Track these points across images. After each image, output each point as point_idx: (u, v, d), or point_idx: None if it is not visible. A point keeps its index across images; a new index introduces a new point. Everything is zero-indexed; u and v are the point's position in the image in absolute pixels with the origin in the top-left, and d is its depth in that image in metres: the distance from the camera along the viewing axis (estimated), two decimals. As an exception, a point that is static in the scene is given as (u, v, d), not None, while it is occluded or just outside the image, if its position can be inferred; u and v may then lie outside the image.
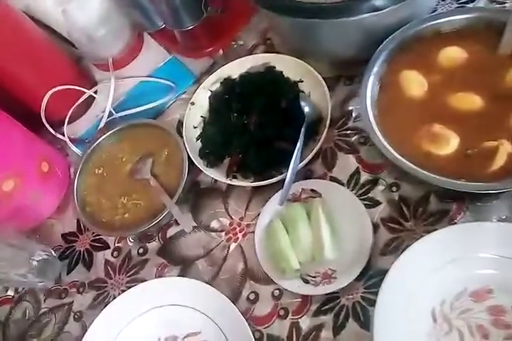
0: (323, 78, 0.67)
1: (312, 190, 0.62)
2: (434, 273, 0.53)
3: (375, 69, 0.61)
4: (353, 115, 0.68)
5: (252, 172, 0.64)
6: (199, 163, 0.66)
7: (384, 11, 0.58)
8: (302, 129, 0.64)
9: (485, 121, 0.56)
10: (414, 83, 0.61)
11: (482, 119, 0.56)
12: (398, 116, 0.59)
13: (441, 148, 0.56)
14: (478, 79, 0.59)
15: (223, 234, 0.66)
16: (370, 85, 0.61)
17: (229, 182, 0.65)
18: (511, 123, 0.55)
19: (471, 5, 0.71)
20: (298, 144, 0.63)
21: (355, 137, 0.66)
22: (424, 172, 0.53)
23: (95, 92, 0.78)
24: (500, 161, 0.53)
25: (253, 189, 0.66)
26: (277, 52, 0.74)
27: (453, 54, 0.61)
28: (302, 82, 0.70)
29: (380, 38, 0.63)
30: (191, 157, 0.66)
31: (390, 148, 0.56)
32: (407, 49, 0.62)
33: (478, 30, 0.61)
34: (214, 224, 0.67)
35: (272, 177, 0.62)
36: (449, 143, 0.56)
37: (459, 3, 0.72)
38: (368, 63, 0.61)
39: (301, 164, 0.62)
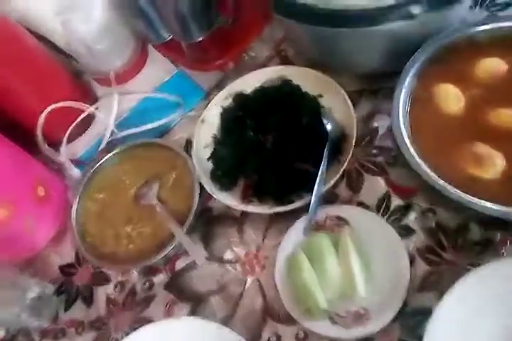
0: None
1: (338, 217, 0.56)
2: (485, 314, 0.47)
3: (407, 82, 0.56)
4: (379, 133, 0.62)
5: (269, 196, 0.58)
6: (210, 187, 0.60)
7: (415, 19, 0.52)
8: (326, 148, 0.58)
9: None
10: (450, 97, 0.55)
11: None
12: (433, 135, 0.53)
13: (486, 170, 0.50)
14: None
15: (238, 265, 0.59)
16: (402, 101, 0.55)
17: (244, 208, 0.58)
18: None
19: (503, 13, 0.65)
20: (322, 165, 0.57)
21: (381, 157, 0.60)
22: (469, 197, 0.47)
23: (96, 109, 0.72)
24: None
25: (271, 216, 0.60)
26: (293, 65, 0.69)
27: (492, 65, 0.55)
28: (322, 96, 0.64)
29: (410, 48, 0.57)
30: (201, 180, 0.60)
31: (426, 170, 0.50)
32: (440, 61, 0.56)
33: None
34: (228, 255, 0.60)
35: (292, 203, 0.56)
36: (495, 165, 0.49)
37: (490, 12, 0.66)
38: (400, 76, 0.56)
39: (326, 188, 0.56)
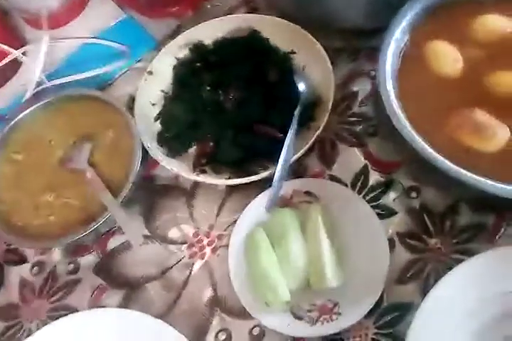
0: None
1: (307, 192, 0.47)
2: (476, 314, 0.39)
3: (396, 38, 0.47)
4: (359, 98, 0.53)
5: (227, 165, 0.49)
6: (156, 151, 0.49)
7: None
8: (296, 112, 0.48)
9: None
10: (446, 57, 0.46)
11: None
12: (425, 99, 0.45)
13: (486, 141, 0.42)
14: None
15: (185, 247, 0.50)
16: (390, 59, 0.46)
17: (196, 177, 0.48)
18: None
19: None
20: (290, 131, 0.47)
21: (361, 126, 0.52)
22: (465, 171, 0.39)
23: (23, 54, 0.60)
24: None
25: (228, 188, 0.50)
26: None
27: (493, 23, 0.47)
28: (295, 53, 0.54)
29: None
30: (145, 143, 0.50)
31: (417, 138, 0.42)
32: (436, 14, 0.48)
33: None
34: (173, 234, 0.50)
35: (253, 174, 0.47)
36: (497, 136, 0.42)
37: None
38: (387, 30, 0.47)
39: (294, 158, 0.47)
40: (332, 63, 0.53)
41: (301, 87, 0.50)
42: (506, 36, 0.46)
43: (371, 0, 0.50)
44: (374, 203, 0.47)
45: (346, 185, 0.48)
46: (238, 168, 0.48)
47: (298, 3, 0.53)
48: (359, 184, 0.48)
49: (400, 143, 0.43)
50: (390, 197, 0.47)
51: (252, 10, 0.61)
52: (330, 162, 0.50)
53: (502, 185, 0.39)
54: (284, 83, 0.50)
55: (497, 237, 0.44)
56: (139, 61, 0.60)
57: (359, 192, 0.48)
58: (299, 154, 0.47)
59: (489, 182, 0.39)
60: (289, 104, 0.49)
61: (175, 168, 0.48)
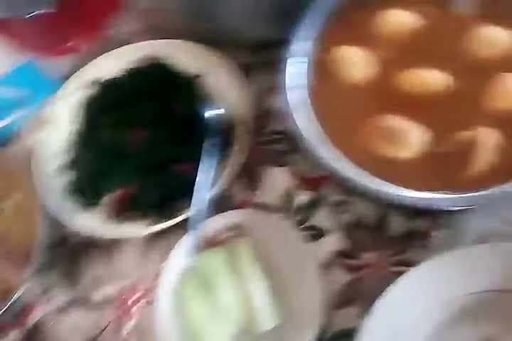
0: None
1: (234, 226, 0.44)
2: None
3: (300, 48, 0.45)
4: (278, 115, 0.50)
5: (146, 210, 0.45)
6: (64, 208, 0.46)
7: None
8: (207, 143, 0.46)
9: (453, 104, 0.41)
10: (355, 62, 0.44)
11: (449, 102, 0.41)
12: (339, 110, 0.43)
13: (400, 148, 0.40)
14: (437, 49, 0.43)
15: (110, 309, 0.45)
16: (295, 70, 0.44)
17: (110, 233, 0.45)
18: (486, 103, 0.40)
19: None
20: (201, 165, 0.45)
21: (281, 144, 0.49)
22: (382, 185, 0.37)
23: None
24: (481, 158, 0.38)
25: (151, 235, 0.46)
26: (168, 38, 0.55)
27: (400, 19, 0.45)
28: (204, 75, 0.51)
29: (302, 5, 0.46)
30: (51, 200, 0.46)
31: (330, 154, 0.39)
32: (341, 18, 0.46)
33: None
34: (97, 296, 0.46)
35: (173, 217, 0.44)
36: (410, 141, 0.40)
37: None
38: (291, 40, 0.45)
39: (213, 191, 0.44)
40: (247, 80, 0.51)
41: (212, 113, 0.48)
42: (413, 32, 0.44)
43: (265, 11, 0.47)
44: (305, 224, 0.45)
45: (275, 210, 0.46)
46: (158, 211, 0.45)
47: (197, 18, 0.51)
48: (287, 206, 0.46)
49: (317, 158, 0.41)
50: (320, 215, 0.45)
51: (156, 31, 0.57)
52: (255, 187, 0.47)
53: (422, 196, 0.37)
54: (194, 113, 0.47)
55: (430, 242, 0.42)
56: (39, 109, 0.54)
57: (288, 215, 0.45)
58: (219, 185, 0.45)
59: (405, 194, 0.37)
60: (202, 135, 0.46)
61: (87, 223, 0.45)
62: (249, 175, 0.48)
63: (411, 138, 0.39)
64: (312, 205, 0.45)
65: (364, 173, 0.38)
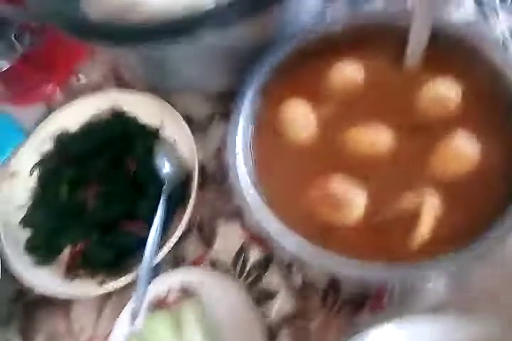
0: (191, 118, 0.51)
1: (184, 287, 0.44)
2: None
3: (246, 104, 0.44)
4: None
5: (98, 269, 0.45)
6: (22, 263, 0.46)
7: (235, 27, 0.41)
8: (161, 199, 0.45)
9: (398, 167, 0.39)
10: (299, 119, 0.43)
11: (394, 164, 0.40)
12: (283, 170, 0.42)
13: (343, 214, 0.38)
14: (383, 106, 0.42)
15: None
16: (241, 128, 0.43)
17: (63, 290, 0.44)
18: (432, 166, 0.39)
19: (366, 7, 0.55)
20: (154, 222, 0.44)
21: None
22: (322, 257, 0.36)
23: None
24: (426, 226, 0.37)
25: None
26: (132, 88, 0.56)
27: (347, 73, 0.44)
28: (164, 128, 0.51)
29: (251, 60, 0.45)
30: (10, 254, 0.46)
31: (270, 222, 0.38)
32: (287, 73, 0.45)
33: (376, 40, 0.44)
34: None
35: (126, 275, 0.44)
36: (354, 206, 0.38)
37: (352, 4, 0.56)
38: (237, 95, 0.44)
39: (165, 249, 0.44)
40: (203, 132, 0.52)
41: (166, 167, 0.47)
42: (359, 87, 0.43)
43: (222, 64, 0.47)
44: (256, 284, 0.44)
45: (228, 268, 0.45)
46: (111, 270, 0.45)
47: (155, 73, 0.51)
48: (240, 264, 0.45)
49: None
50: (272, 276, 0.44)
51: (120, 83, 0.58)
52: (209, 243, 0.47)
53: (362, 269, 0.36)
54: (148, 168, 0.47)
55: (382, 308, 0.40)
56: (6, 159, 0.55)
57: (240, 274, 0.44)
58: (172, 242, 0.44)
59: (346, 264, 0.36)
60: (156, 190, 0.46)
61: (43, 279, 0.45)
62: (202, 231, 0.47)
63: (354, 204, 0.38)
64: (264, 265, 0.44)
65: (306, 243, 0.37)
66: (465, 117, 0.40)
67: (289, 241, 0.37)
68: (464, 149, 0.38)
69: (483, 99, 0.40)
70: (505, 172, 0.37)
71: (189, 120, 0.52)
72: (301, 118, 0.43)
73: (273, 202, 0.40)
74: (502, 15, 0.51)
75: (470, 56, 0.41)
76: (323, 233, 0.38)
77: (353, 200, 0.38)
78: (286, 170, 0.42)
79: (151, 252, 0.43)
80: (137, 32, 0.39)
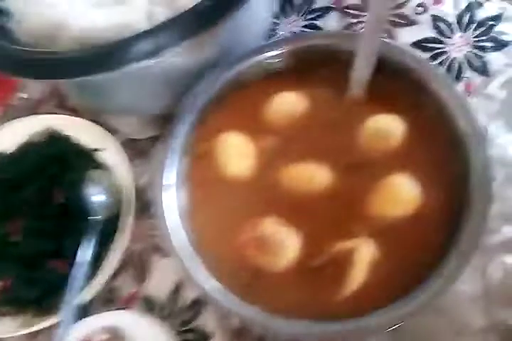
0: (133, 142, 0.48)
1: (109, 328, 0.41)
2: None
3: (180, 134, 0.41)
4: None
5: (22, 307, 0.43)
6: None
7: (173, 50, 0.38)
8: (90, 233, 0.43)
9: (334, 207, 0.37)
10: (237, 152, 0.41)
11: (332, 204, 0.37)
12: (216, 208, 0.39)
13: (273, 259, 0.36)
14: (324, 140, 0.40)
15: None
16: (172, 159, 0.40)
17: None
18: (371, 206, 0.36)
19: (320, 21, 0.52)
20: (81, 258, 0.42)
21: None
22: (247, 312, 0.34)
23: None
24: (357, 276, 0.34)
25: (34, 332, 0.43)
26: (72, 109, 0.53)
27: (288, 104, 0.42)
28: (102, 153, 0.49)
29: (189, 84, 0.43)
30: None
31: (196, 268, 0.36)
32: (225, 100, 0.42)
33: (320, 67, 0.42)
34: None
35: (52, 313, 0.41)
36: (285, 250, 0.36)
37: (308, 20, 0.53)
38: (170, 125, 0.42)
39: (96, 286, 0.41)
40: (144, 155, 0.49)
41: (96, 198, 0.45)
42: (300, 119, 0.40)
43: (157, 89, 0.45)
44: (188, 325, 0.41)
45: (162, 307, 0.43)
46: (38, 308, 0.42)
47: (91, 97, 0.48)
48: (174, 302, 0.43)
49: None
50: (205, 317, 0.42)
51: (62, 104, 0.55)
52: (143, 279, 0.44)
53: (286, 326, 0.33)
54: (77, 200, 0.44)
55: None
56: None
57: (173, 314, 0.42)
58: (103, 278, 0.42)
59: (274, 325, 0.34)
60: (83, 224, 0.43)
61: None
62: (137, 267, 0.45)
63: (285, 247, 0.36)
64: (198, 304, 0.42)
65: (229, 293, 0.35)
66: (407, 156, 0.38)
67: (213, 290, 0.35)
68: (403, 191, 0.36)
69: (427, 137, 0.38)
70: (444, 218, 0.35)
71: (131, 143, 0.50)
72: (238, 151, 0.40)
73: (202, 243, 0.37)
74: (459, 41, 0.49)
75: (416, 89, 0.39)
76: (253, 280, 0.36)
77: (284, 243, 0.36)
78: (220, 207, 0.39)
79: (74, 291, 0.40)
80: (59, 66, 0.36)
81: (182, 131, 0.41)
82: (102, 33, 0.39)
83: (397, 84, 0.40)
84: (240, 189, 0.39)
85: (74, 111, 0.52)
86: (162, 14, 0.40)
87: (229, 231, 0.38)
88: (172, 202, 0.39)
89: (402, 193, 0.36)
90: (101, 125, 0.49)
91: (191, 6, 0.37)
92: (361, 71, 0.39)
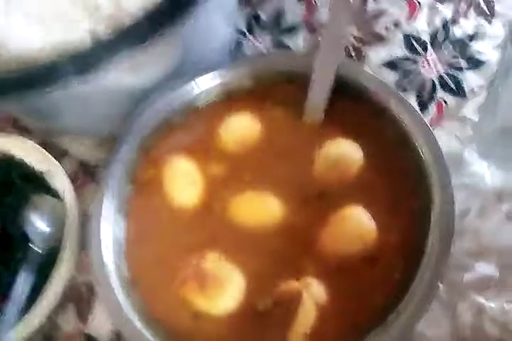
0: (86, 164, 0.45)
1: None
2: None
3: (125, 158, 0.38)
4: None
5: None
6: None
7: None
8: (25, 268, 0.40)
9: (285, 243, 0.34)
10: (183, 180, 0.37)
11: (281, 240, 0.34)
12: (154, 243, 0.36)
13: (215, 301, 0.33)
14: (277, 168, 0.36)
15: None
16: (115, 189, 0.37)
17: None
18: (323, 242, 0.33)
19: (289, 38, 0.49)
20: (16, 295, 0.38)
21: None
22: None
23: None
24: (304, 322, 0.31)
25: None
26: (25, 129, 0.50)
27: (241, 127, 0.39)
28: (50, 177, 0.45)
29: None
30: None
31: (131, 312, 0.33)
32: (174, 123, 0.39)
33: (277, 90, 0.39)
34: None
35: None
36: (227, 290, 0.33)
37: (276, 38, 0.50)
38: (112, 150, 0.39)
39: (32, 325, 0.38)
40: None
41: (38, 227, 0.41)
42: (253, 146, 0.37)
43: (104, 111, 0.42)
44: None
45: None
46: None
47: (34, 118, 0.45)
48: (116, 343, 0.39)
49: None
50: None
51: (14, 122, 0.52)
52: (85, 316, 0.41)
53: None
54: (16, 228, 0.41)
55: None
56: None
57: (114, 357, 0.39)
58: (40, 316, 0.39)
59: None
60: (19, 258, 0.40)
61: None
62: (82, 300, 0.42)
63: (228, 288, 0.32)
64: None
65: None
66: (364, 186, 0.34)
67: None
68: (356, 225, 0.33)
69: (387, 166, 0.35)
70: (402, 256, 0.32)
71: (85, 168, 0.47)
72: (185, 179, 0.37)
73: (138, 280, 0.34)
74: (432, 59, 0.46)
75: (377, 114, 0.36)
76: (191, 324, 0.32)
77: (227, 282, 0.32)
78: (161, 240, 0.36)
79: (7, 328, 0.37)
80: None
81: (125, 156, 0.38)
82: (40, 52, 0.37)
83: (357, 107, 0.37)
84: (184, 220, 0.36)
85: (27, 131, 0.50)
86: (105, 33, 0.37)
87: (168, 267, 0.34)
88: (108, 233, 0.35)
89: (355, 227, 0.33)
90: (52, 147, 0.46)
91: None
92: (317, 94, 0.37)
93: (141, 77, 0.39)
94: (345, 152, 0.35)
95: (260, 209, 0.35)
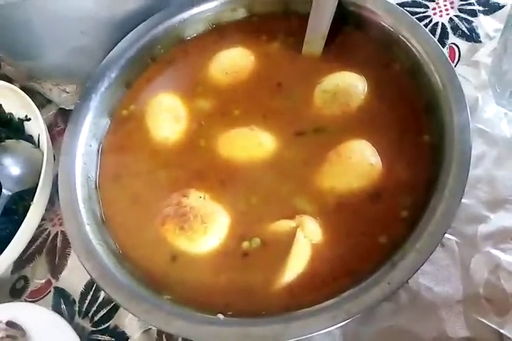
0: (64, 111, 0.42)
1: (11, 323, 0.34)
2: None
3: (97, 94, 0.35)
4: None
5: None
6: None
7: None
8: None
9: (278, 181, 0.30)
10: (167, 116, 0.34)
11: (273, 177, 0.30)
12: (134, 180, 0.32)
13: (196, 241, 0.29)
14: (271, 102, 0.33)
15: None
16: (86, 125, 0.34)
17: None
18: (322, 177, 0.29)
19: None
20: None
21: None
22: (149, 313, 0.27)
23: None
24: (297, 263, 0.27)
25: None
26: (6, 77, 0.47)
27: (232, 60, 0.35)
28: (29, 120, 0.42)
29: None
30: None
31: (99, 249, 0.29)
32: (157, 56, 0.36)
33: (274, 18, 0.35)
34: None
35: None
36: (209, 229, 0.29)
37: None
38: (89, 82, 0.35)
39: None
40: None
41: (15, 169, 0.38)
42: (245, 80, 0.34)
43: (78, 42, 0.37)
44: (104, 323, 0.34)
45: (74, 303, 0.35)
46: None
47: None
48: (88, 299, 0.35)
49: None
50: (124, 317, 0.34)
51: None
52: (58, 270, 0.37)
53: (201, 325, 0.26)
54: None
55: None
56: None
57: (87, 311, 0.35)
58: (9, 259, 0.35)
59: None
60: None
61: None
62: (55, 253, 0.38)
63: (212, 224, 0.29)
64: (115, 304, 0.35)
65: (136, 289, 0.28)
66: (368, 120, 0.30)
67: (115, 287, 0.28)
68: (360, 160, 0.29)
69: (394, 99, 0.31)
70: (408, 192, 0.28)
71: (63, 113, 0.44)
72: (170, 114, 0.34)
73: (115, 219, 0.31)
74: (444, 4, 0.42)
75: (386, 43, 0.32)
76: (170, 265, 0.29)
77: (209, 221, 0.29)
78: (141, 177, 0.32)
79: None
80: None
81: (102, 88, 0.35)
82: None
83: (362, 36, 0.33)
84: (166, 158, 0.33)
85: (8, 80, 0.46)
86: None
87: (146, 206, 0.31)
88: (79, 169, 0.32)
89: (358, 162, 0.29)
90: (33, 94, 0.43)
91: None
92: (318, 21, 0.33)
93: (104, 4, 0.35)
94: (347, 84, 0.31)
95: (250, 143, 0.31)
